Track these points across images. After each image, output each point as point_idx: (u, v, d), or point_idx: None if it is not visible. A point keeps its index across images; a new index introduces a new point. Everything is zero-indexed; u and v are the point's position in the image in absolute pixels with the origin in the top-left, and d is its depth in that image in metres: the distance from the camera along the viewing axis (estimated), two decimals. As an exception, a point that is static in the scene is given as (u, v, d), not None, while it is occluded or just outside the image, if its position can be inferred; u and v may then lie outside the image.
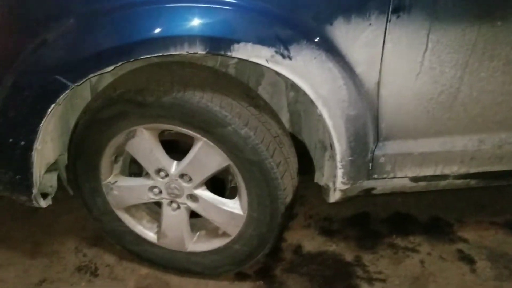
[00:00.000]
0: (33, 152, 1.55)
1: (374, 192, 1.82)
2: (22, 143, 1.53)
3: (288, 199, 1.67)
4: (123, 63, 1.41)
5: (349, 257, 2.05)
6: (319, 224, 2.22)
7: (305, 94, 1.86)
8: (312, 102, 1.76)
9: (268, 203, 1.65)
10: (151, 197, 1.78)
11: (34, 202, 1.70)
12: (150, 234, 1.89)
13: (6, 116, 1.50)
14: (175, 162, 1.70)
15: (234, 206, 1.72)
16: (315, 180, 1.92)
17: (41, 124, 1.50)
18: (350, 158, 1.64)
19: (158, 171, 1.71)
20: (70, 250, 2.05)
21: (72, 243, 2.09)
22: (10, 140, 1.54)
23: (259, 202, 1.66)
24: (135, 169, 1.88)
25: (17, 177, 1.62)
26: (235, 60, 1.90)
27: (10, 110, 1.49)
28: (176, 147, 1.78)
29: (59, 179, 1.89)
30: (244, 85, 1.73)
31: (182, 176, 1.70)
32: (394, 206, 2.34)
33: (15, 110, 1.49)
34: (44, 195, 1.77)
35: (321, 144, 1.83)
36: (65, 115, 1.74)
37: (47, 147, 1.65)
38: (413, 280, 1.94)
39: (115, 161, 1.78)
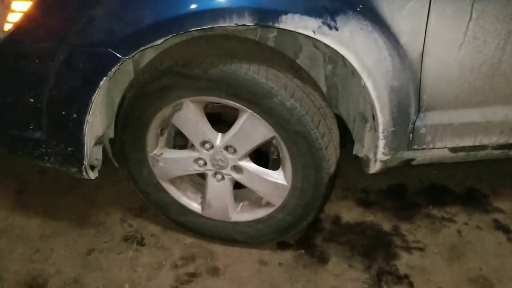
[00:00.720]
0: (85, 125, 1.60)
1: (414, 163, 1.84)
2: (75, 115, 1.58)
3: (332, 169, 1.70)
4: (173, 36, 1.44)
5: (387, 227, 2.09)
6: (356, 196, 2.26)
7: (343, 66, 1.89)
8: (352, 74, 1.79)
9: (313, 174, 1.68)
10: (196, 168, 1.83)
11: (84, 173, 1.76)
12: (194, 205, 1.94)
13: (59, 90, 1.55)
14: (220, 134, 1.74)
15: (278, 176, 1.76)
16: (354, 152, 1.94)
17: (93, 97, 1.54)
18: (392, 129, 1.67)
19: (204, 143, 1.75)
20: (116, 220, 2.12)
21: (117, 214, 2.15)
22: (63, 113, 1.59)
23: (303, 173, 1.69)
24: (179, 141, 1.93)
25: (68, 149, 1.67)
26: (275, 33, 1.92)
27: (63, 84, 1.54)
28: (219, 120, 1.82)
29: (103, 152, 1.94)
30: (287, 57, 1.75)
31: (227, 148, 1.74)
32: (429, 178, 2.36)
33: (68, 84, 1.54)
34: (91, 168, 1.83)
35: (361, 116, 1.85)
36: (110, 89, 1.78)
37: (97, 120, 1.70)
38: (451, 249, 1.97)
39: (161, 133, 1.82)
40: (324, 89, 2.01)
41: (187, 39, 1.68)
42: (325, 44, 1.86)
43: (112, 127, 1.87)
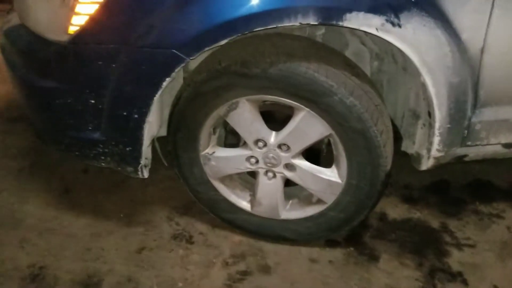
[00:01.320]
0: (145, 125, 1.61)
1: (466, 159, 1.83)
2: (136, 116, 1.59)
3: (388, 167, 1.70)
4: (238, 36, 1.44)
5: (435, 223, 2.08)
6: (400, 192, 2.25)
7: (391, 63, 1.88)
8: (404, 70, 1.78)
9: (369, 171, 1.68)
10: (248, 166, 1.83)
11: (139, 173, 1.77)
12: (243, 203, 1.94)
13: (121, 90, 1.56)
14: (274, 132, 1.73)
15: (331, 174, 1.75)
16: (403, 148, 1.94)
17: (155, 98, 1.55)
18: (448, 125, 1.66)
19: (257, 141, 1.75)
20: (163, 219, 2.13)
21: (163, 212, 2.16)
22: (124, 113, 1.59)
23: (360, 170, 1.68)
24: (231, 139, 1.93)
25: (127, 149, 1.68)
26: (322, 30, 1.92)
27: (126, 85, 1.55)
28: (270, 117, 1.82)
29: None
30: (343, 55, 1.75)
31: (280, 146, 1.74)
32: (472, 173, 2.35)
33: (130, 85, 1.54)
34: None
35: (412, 112, 1.84)
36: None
37: (154, 119, 1.70)
38: (502, 245, 1.96)
39: (213, 132, 1.82)
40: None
41: (243, 38, 1.67)
42: (373, 41, 1.87)
43: (162, 126, 1.87)
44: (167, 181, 2.30)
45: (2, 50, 1.88)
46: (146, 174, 1.80)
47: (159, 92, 1.54)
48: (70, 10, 1.49)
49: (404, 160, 1.92)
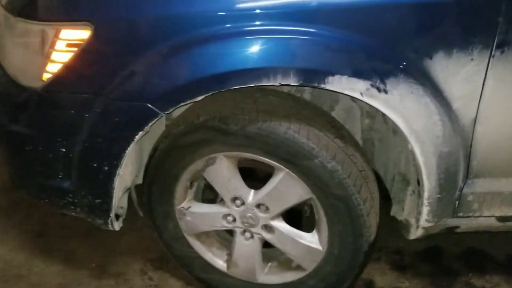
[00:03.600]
0: (115, 177, 1.54)
1: (457, 230, 1.73)
2: (106, 168, 1.52)
3: (372, 237, 1.60)
4: (214, 93, 1.37)
5: (423, 296, 1.96)
6: (390, 258, 2.13)
7: (383, 123, 1.81)
8: (394, 133, 1.70)
9: (351, 241, 1.58)
10: (225, 225, 1.74)
11: (109, 225, 1.68)
12: (219, 262, 1.84)
13: (92, 142, 1.50)
14: (252, 191, 1.65)
15: (312, 240, 1.66)
16: (392, 213, 1.84)
17: (126, 151, 1.48)
18: (438, 196, 1.57)
19: (235, 199, 1.67)
20: (136, 272, 2.03)
21: (137, 264, 2.06)
22: (94, 165, 1.53)
23: (341, 239, 1.59)
24: (208, 195, 1.84)
25: (96, 201, 1.61)
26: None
27: (97, 136, 1.49)
28: (252, 174, 1.73)
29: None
30: (328, 115, 1.68)
31: (258, 205, 1.65)
32: (467, 241, 2.22)
33: (102, 136, 1.48)
34: (116, 217, 1.75)
35: (402, 176, 1.75)
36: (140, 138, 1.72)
37: (126, 171, 1.64)
38: (492, 326, 1.83)
39: (190, 186, 1.74)
40: (360, 142, 1.92)
41: (223, 92, 1.61)
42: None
43: (139, 174, 1.79)
44: (146, 229, 2.19)
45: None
46: (117, 227, 1.72)
47: (131, 146, 1.47)
48: (45, 58, 1.45)
49: (397, 222, 1.81)
